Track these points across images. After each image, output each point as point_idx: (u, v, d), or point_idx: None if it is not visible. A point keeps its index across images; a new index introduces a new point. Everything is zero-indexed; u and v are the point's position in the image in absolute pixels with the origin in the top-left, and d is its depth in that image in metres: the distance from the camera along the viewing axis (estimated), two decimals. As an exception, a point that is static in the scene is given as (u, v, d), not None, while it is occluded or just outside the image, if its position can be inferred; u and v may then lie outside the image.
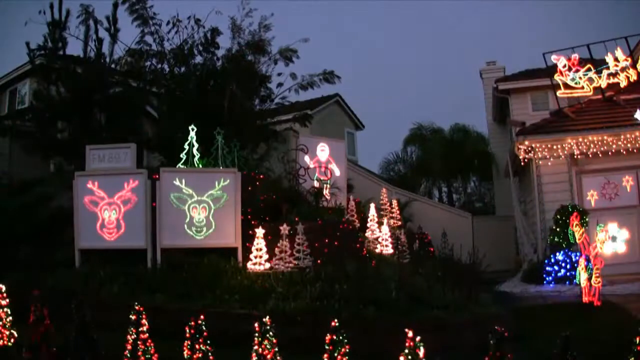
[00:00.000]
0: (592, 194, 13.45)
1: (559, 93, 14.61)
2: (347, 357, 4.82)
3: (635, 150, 13.09)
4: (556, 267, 12.11)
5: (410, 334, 4.37)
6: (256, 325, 5.18)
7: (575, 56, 14.49)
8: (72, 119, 12.98)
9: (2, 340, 6.41)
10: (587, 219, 12.16)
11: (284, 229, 8.09)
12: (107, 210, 9.08)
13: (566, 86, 14.50)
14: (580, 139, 13.28)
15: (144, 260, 8.84)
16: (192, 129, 10.40)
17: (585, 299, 9.21)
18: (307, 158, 12.45)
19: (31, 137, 13.16)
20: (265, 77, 14.08)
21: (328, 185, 12.09)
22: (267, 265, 8.15)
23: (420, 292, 7.79)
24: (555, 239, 12.66)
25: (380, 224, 11.50)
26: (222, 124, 11.82)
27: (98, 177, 9.18)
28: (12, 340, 6.46)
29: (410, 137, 26.68)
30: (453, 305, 7.52)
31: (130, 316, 5.62)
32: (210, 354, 5.35)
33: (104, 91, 13.04)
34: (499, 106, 20.48)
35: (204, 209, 9.05)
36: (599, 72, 14.39)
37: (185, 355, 5.42)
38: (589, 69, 14.41)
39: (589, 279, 9.19)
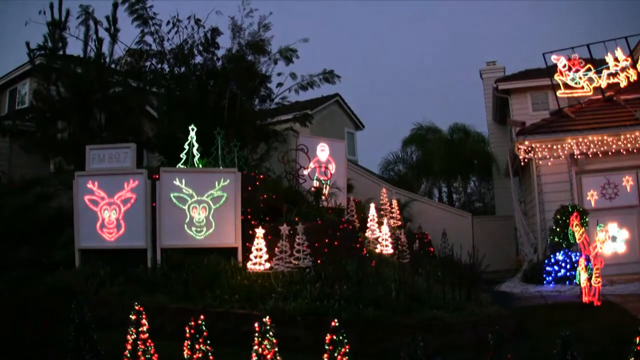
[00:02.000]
0: (592, 194, 13.45)
1: (559, 93, 14.60)
2: (347, 357, 4.82)
3: (635, 150, 13.09)
4: (556, 267, 12.10)
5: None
6: (256, 325, 5.17)
7: (575, 56, 14.49)
8: (72, 118, 13.01)
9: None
10: (587, 219, 12.16)
11: (284, 229, 8.09)
12: (107, 210, 9.08)
13: (566, 86, 14.50)
14: (580, 139, 13.27)
15: (144, 260, 8.84)
16: (192, 129, 10.40)
17: (585, 299, 9.20)
18: (307, 158, 12.45)
19: (31, 137, 13.18)
20: (265, 77, 14.09)
21: (328, 185, 12.08)
22: (267, 265, 8.15)
23: (420, 292, 7.79)
24: (555, 239, 12.66)
25: (380, 224, 11.51)
26: (222, 124, 11.83)
27: (98, 177, 9.18)
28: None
29: (410, 137, 26.66)
30: (453, 305, 7.52)
31: (130, 316, 5.62)
32: (210, 354, 5.35)
33: (103, 91, 13.06)
34: (499, 106, 20.48)
35: (204, 209, 9.05)
36: (599, 72, 14.39)
37: (185, 355, 5.42)
38: (589, 69, 14.41)
39: (589, 279, 9.18)
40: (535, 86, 18.42)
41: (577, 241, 9.66)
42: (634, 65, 14.38)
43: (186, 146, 10.45)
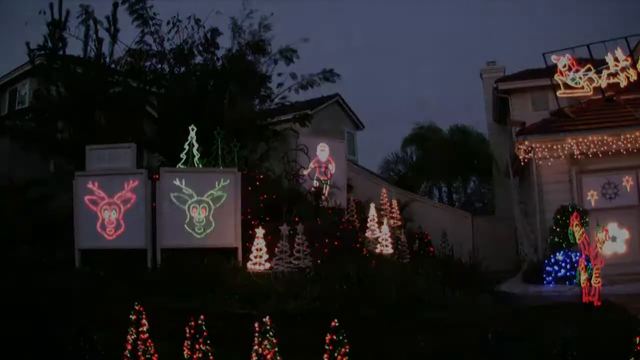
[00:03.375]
0: (592, 194, 13.44)
1: (559, 93, 14.59)
2: (347, 357, 4.82)
3: (635, 150, 13.08)
4: (556, 267, 12.10)
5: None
6: (256, 325, 5.18)
7: (575, 56, 14.48)
8: (72, 118, 12.98)
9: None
10: (587, 219, 12.15)
11: (284, 229, 8.10)
12: (107, 210, 9.08)
13: (566, 86, 14.48)
14: (580, 139, 13.26)
15: (144, 260, 8.84)
16: (192, 129, 10.39)
17: (585, 299, 9.20)
18: (307, 158, 12.44)
19: (31, 137, 13.16)
20: (266, 77, 14.10)
21: (328, 186, 12.08)
22: (267, 265, 8.15)
23: (420, 292, 7.79)
24: (555, 239, 12.65)
25: (380, 224, 11.50)
26: (222, 124, 11.82)
27: (98, 177, 9.18)
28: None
29: (410, 137, 26.67)
30: (453, 305, 7.52)
31: (130, 316, 5.62)
32: (210, 354, 5.35)
33: (104, 91, 13.03)
34: (499, 106, 20.47)
35: (204, 209, 9.05)
36: (599, 72, 14.36)
37: (185, 355, 5.42)
38: (589, 69, 14.39)
39: (589, 279, 9.17)
40: (535, 86, 18.37)
41: (577, 241, 9.65)
42: (634, 65, 14.36)
43: (186, 146, 10.44)
